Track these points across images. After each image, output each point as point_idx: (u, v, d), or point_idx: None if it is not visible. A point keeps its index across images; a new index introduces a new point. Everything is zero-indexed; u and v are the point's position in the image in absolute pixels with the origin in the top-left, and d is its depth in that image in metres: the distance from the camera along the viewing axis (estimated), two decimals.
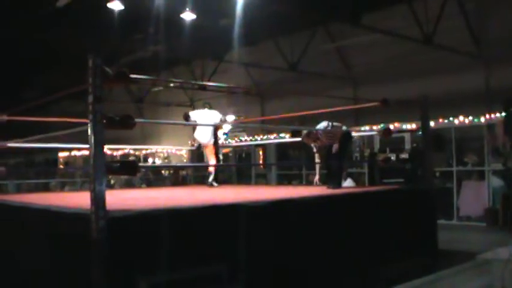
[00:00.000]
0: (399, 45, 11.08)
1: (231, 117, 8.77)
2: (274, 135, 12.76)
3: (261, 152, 14.32)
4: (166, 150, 16.54)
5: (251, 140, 13.08)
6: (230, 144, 13.20)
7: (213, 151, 6.85)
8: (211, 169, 7.01)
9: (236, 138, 13.73)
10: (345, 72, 13.28)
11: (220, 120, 7.00)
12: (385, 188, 6.07)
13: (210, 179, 6.97)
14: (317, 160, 5.83)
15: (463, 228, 8.31)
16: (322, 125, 5.59)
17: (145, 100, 17.74)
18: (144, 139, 18.23)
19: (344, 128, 5.73)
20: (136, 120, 3.17)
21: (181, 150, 15.90)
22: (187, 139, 15.40)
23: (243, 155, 14.67)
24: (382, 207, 4.64)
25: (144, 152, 16.56)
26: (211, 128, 6.82)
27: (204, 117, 6.79)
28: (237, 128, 14.49)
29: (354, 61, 13.27)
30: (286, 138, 11.96)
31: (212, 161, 6.86)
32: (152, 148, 15.45)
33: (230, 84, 13.13)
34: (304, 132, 5.62)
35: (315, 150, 5.74)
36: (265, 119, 13.80)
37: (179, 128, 16.49)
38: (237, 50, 12.90)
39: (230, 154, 14.71)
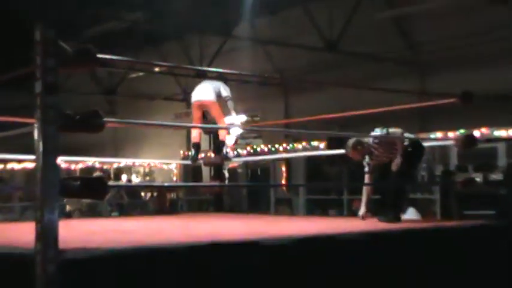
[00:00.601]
0: (489, 14, 11.00)
1: (242, 118, 8.83)
2: (304, 143, 12.75)
3: (283, 168, 14.34)
4: (148, 164, 16.66)
5: (270, 151, 13.09)
6: (240, 156, 13.19)
7: (220, 111, 7.17)
8: (223, 136, 7.27)
9: (249, 148, 13.74)
10: (408, 53, 13.25)
11: (226, 97, 7.24)
12: (467, 223, 6.00)
13: (224, 150, 7.28)
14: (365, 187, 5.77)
15: None
16: (376, 134, 5.56)
17: (119, 91, 17.93)
18: (117, 147, 18.40)
19: (405, 134, 5.68)
20: (106, 119, 3.18)
21: (169, 163, 16.00)
22: (178, 148, 15.52)
23: (258, 172, 14.70)
24: (461, 251, 4.59)
25: (116, 165, 16.70)
26: (212, 85, 7.28)
27: (204, 84, 7.30)
28: (251, 133, 14.55)
29: (421, 37, 13.22)
30: (321, 148, 11.96)
31: (222, 123, 7.09)
32: (128, 160, 15.57)
33: (241, 70, 13.17)
34: (351, 142, 5.55)
35: (366, 169, 5.65)
36: (290, 122, 13.79)
37: (167, 132, 16.61)
38: (251, 22, 12.96)
39: (240, 170, 14.74)
